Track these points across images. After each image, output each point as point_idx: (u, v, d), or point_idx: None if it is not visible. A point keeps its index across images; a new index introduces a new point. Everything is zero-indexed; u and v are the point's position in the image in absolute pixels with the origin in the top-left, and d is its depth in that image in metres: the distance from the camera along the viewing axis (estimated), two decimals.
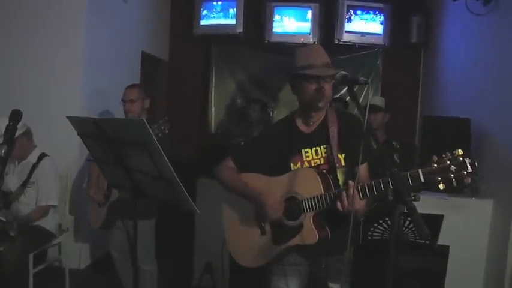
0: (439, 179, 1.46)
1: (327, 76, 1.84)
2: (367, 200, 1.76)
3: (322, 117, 1.97)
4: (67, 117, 1.58)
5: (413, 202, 1.36)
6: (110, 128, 1.38)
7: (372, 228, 2.74)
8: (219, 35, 5.24)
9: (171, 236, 3.44)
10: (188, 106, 5.61)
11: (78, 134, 1.62)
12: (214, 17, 5.21)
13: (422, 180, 1.50)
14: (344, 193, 1.70)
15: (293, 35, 5.15)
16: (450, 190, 3.27)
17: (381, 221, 2.67)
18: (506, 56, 3.22)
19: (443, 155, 1.48)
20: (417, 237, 2.68)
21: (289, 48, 5.11)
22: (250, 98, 5.30)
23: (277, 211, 1.88)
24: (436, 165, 1.47)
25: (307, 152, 1.95)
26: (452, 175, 1.44)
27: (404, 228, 2.59)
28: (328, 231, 1.85)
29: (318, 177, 1.83)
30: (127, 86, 3.03)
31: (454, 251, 2.89)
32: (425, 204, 3.04)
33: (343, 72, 1.74)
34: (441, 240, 2.79)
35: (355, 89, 1.71)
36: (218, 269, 3.44)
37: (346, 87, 1.75)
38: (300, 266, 2.01)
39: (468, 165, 1.43)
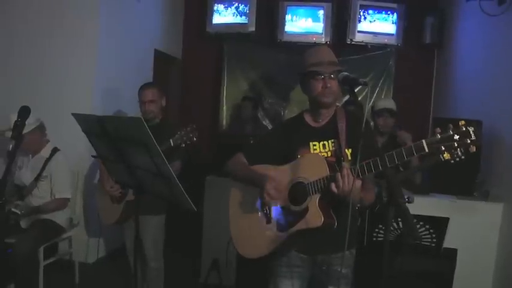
0: (443, 148, 1.46)
1: (332, 73, 1.90)
2: (370, 189, 1.78)
3: (331, 114, 2.02)
4: (72, 114, 1.61)
5: (407, 204, 1.36)
6: (112, 125, 1.41)
7: (377, 230, 2.75)
8: (232, 33, 5.26)
9: (179, 233, 3.47)
10: (200, 104, 5.65)
11: (83, 131, 1.65)
12: (226, 15, 5.22)
13: (426, 149, 1.50)
14: (338, 174, 1.71)
15: (305, 34, 5.13)
16: (463, 193, 3.25)
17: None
18: None
19: (446, 127, 1.48)
20: (423, 241, 2.68)
21: (301, 47, 5.12)
22: (245, 96, 5.24)
23: (280, 193, 1.88)
24: (439, 135, 1.48)
25: (315, 145, 1.99)
26: (456, 144, 1.45)
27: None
28: (334, 219, 1.84)
29: (324, 160, 1.86)
30: (142, 85, 3.03)
31: (463, 254, 2.88)
32: (434, 207, 3.05)
33: (345, 73, 1.81)
34: (450, 243, 2.77)
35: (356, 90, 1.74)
36: (225, 266, 3.46)
37: (347, 87, 1.78)
38: (302, 268, 2.03)
39: (471, 133, 1.43)
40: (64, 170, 3.33)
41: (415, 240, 1.30)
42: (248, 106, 4.86)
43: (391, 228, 2.62)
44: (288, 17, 5.13)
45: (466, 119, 3.65)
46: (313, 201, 1.84)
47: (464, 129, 1.44)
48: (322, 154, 1.97)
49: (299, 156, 1.97)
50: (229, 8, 5.22)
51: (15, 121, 1.95)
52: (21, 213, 3.03)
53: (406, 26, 5.06)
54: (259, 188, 1.94)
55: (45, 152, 3.32)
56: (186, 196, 1.35)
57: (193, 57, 5.65)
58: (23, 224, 3.21)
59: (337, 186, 1.72)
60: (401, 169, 2.94)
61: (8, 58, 3.94)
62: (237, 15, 5.18)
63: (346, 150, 1.94)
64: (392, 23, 5.03)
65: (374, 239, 2.74)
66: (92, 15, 3.85)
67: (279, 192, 1.89)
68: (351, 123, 1.98)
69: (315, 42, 5.05)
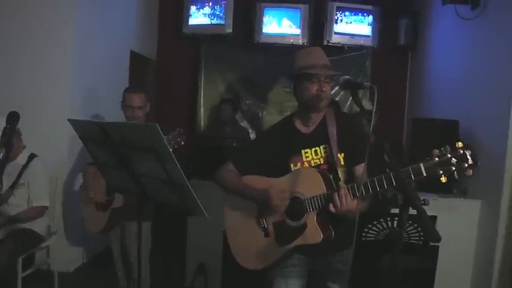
0: (441, 172, 1.47)
1: (327, 77, 1.90)
2: (365, 199, 1.78)
3: (321, 117, 2.00)
4: (68, 120, 1.55)
5: (423, 206, 1.38)
6: (116, 132, 1.36)
7: (366, 230, 2.78)
8: (208, 35, 5.21)
9: (164, 237, 3.42)
10: (176, 106, 5.56)
11: (80, 137, 1.59)
12: (203, 17, 5.17)
13: (424, 174, 1.51)
14: (335, 195, 1.73)
15: (283, 36, 5.14)
16: (443, 191, 3.34)
17: (375, 222, 2.71)
18: (493, 59, 3.30)
19: (443, 149, 1.48)
20: (411, 239, 2.73)
21: (278, 49, 5.15)
22: (223, 98, 5.25)
23: (284, 201, 1.88)
24: (437, 158, 1.48)
25: (306, 152, 1.97)
26: (453, 167, 1.45)
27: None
28: (332, 231, 1.86)
29: (320, 176, 1.86)
30: (129, 89, 2.97)
31: (443, 250, 2.94)
32: None
33: (346, 77, 1.78)
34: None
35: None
36: (211, 270, 3.45)
37: (350, 91, 1.76)
38: (299, 266, 2.03)
39: (469, 157, 1.44)
40: (42, 177, 3.20)
41: (435, 240, 1.31)
42: (227, 108, 4.84)
43: (381, 227, 2.67)
44: (265, 18, 5.12)
45: (443, 119, 3.76)
46: (311, 218, 1.85)
47: (461, 152, 1.45)
48: (315, 161, 1.96)
49: (291, 165, 1.97)
50: (205, 8, 5.17)
51: (4, 128, 1.86)
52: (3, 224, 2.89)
53: (382, 28, 5.15)
54: (260, 201, 1.94)
55: (22, 158, 3.18)
56: (199, 202, 1.33)
57: (169, 58, 5.57)
58: None
59: (334, 206, 1.74)
60: None
61: None
62: (213, 16, 5.13)
63: (339, 155, 1.94)
64: (368, 24, 5.12)
65: (363, 238, 2.78)
66: (70, 15, 3.73)
67: (284, 200, 1.89)
68: (342, 126, 1.98)
69: (292, 44, 5.10)
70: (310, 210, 1.84)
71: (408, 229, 2.67)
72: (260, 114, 5.43)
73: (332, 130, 1.96)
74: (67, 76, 3.77)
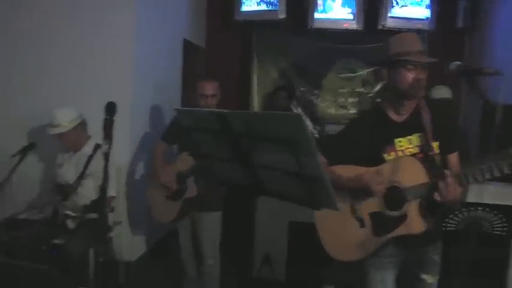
0: None
1: (424, 63, 1.82)
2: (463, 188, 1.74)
3: (414, 105, 1.93)
4: (175, 109, 1.49)
5: None
6: (239, 121, 1.28)
7: (447, 220, 2.69)
8: (261, 21, 5.10)
9: (232, 227, 3.39)
10: (228, 95, 5.44)
11: (183, 127, 1.51)
12: (256, 3, 5.05)
13: None
14: (442, 183, 1.69)
15: (336, 20, 4.99)
16: None
17: (457, 212, 2.62)
18: None
19: None
20: (494, 230, 2.63)
21: (332, 34, 5.02)
22: (278, 85, 5.18)
23: (383, 187, 1.84)
24: None
25: (400, 141, 1.91)
26: None
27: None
28: (432, 221, 1.83)
29: (422, 165, 1.82)
30: (202, 77, 2.96)
31: None
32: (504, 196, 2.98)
33: (458, 62, 1.72)
34: None
35: None
36: (276, 261, 3.43)
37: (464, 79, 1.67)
38: (395, 257, 1.99)
39: None
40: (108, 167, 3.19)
41: None
42: (283, 96, 4.75)
43: (460, 218, 2.57)
44: (319, 3, 4.97)
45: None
46: (413, 207, 1.81)
47: None
48: (409, 150, 1.90)
49: (385, 154, 1.90)
50: None
51: (104, 119, 1.82)
52: (74, 215, 2.89)
53: (439, 11, 4.92)
54: (358, 187, 1.88)
55: (88, 148, 3.17)
56: (334, 196, 1.24)
57: (219, 46, 5.48)
58: (70, 224, 3.09)
59: (440, 195, 1.70)
60: None
61: (47, 51, 3.75)
62: (266, 2, 5.01)
63: (433, 143, 1.87)
64: (426, 7, 4.90)
65: (444, 229, 2.70)
66: (130, 6, 3.68)
67: (382, 186, 1.84)
68: (436, 114, 1.90)
69: (346, 29, 4.96)
70: (411, 200, 1.80)
71: (493, 219, 2.57)
72: (315, 101, 5.31)
73: (426, 118, 1.90)
74: (128, 68, 3.73)
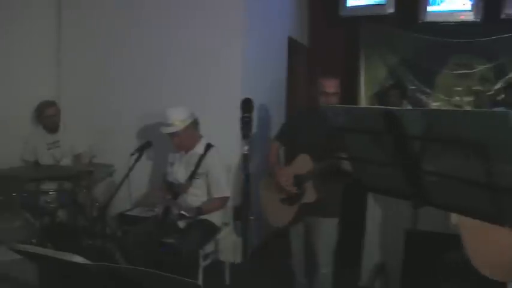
0: None
1: None
2: None
3: None
4: (326, 106, 1.34)
5: None
6: (414, 121, 1.10)
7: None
8: (368, 16, 4.84)
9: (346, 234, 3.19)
10: None
11: (334, 126, 1.36)
12: None
13: None
14: None
15: (451, 13, 4.58)
16: None
17: None
18: None
19: None
20: None
21: (445, 27, 4.61)
22: (390, 83, 4.88)
23: None
24: None
25: None
26: None
27: None
28: None
29: None
30: (324, 76, 2.80)
31: None
32: None
33: None
34: None
35: None
36: (389, 271, 3.18)
37: None
38: None
39: None
40: (221, 167, 3.16)
41: None
42: (396, 94, 4.46)
43: None
44: None
45: None
46: None
47: None
48: None
49: None
50: None
51: (243, 117, 1.73)
52: (189, 215, 2.89)
53: None
54: None
55: (199, 148, 3.17)
56: None
57: (323, 43, 5.27)
58: (181, 223, 3.09)
59: None
60: None
61: (164, 53, 3.87)
62: None
63: None
64: None
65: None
66: (240, 4, 3.65)
67: None
68: None
69: (462, 21, 4.53)
70: None
71: None
72: (424, 101, 4.93)
73: None
74: (237, 68, 3.71)
